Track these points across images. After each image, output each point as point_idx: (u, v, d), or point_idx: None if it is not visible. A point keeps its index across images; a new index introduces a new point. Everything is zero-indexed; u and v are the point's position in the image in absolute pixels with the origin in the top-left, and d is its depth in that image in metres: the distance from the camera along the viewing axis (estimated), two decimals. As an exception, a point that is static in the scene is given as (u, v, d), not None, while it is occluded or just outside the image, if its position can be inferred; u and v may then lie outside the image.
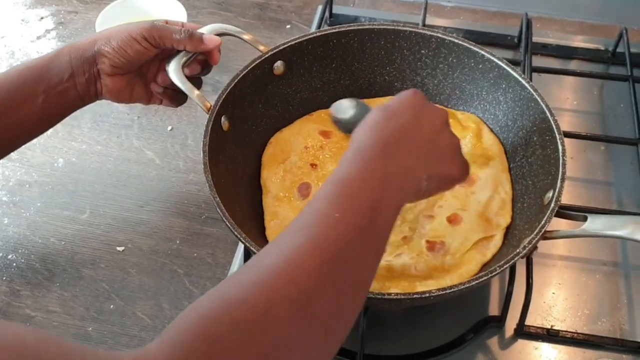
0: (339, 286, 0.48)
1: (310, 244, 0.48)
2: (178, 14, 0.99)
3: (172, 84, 0.74)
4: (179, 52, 0.73)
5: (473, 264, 0.69)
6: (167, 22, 0.76)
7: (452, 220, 0.73)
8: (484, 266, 0.69)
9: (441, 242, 0.71)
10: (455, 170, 0.60)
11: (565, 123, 0.91)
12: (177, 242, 0.81)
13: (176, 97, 0.79)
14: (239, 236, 0.62)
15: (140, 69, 0.77)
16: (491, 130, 0.79)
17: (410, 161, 0.56)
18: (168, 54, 0.75)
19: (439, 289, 0.59)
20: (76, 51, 0.73)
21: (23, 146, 0.87)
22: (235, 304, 0.45)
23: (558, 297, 0.75)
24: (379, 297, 0.59)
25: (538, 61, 0.97)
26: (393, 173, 0.54)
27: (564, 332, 0.72)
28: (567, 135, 0.81)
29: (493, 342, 0.72)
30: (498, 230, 0.71)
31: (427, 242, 0.71)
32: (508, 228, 0.72)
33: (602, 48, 1.01)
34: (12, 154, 0.88)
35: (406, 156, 0.55)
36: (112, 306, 0.75)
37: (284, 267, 0.47)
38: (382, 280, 0.67)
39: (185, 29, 0.74)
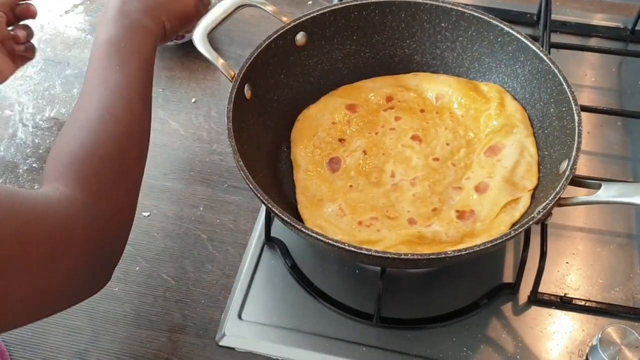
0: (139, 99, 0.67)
1: (116, 94, 0.65)
2: (202, -11, 1.00)
3: (26, 37, 0.82)
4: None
5: (502, 225, 0.70)
6: None
7: (479, 189, 0.74)
8: (514, 226, 0.70)
9: (470, 210, 0.72)
10: (188, 7, 0.77)
11: (584, 99, 0.92)
12: (201, 208, 0.83)
13: (31, 47, 0.85)
14: (261, 198, 0.64)
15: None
16: (513, 97, 0.80)
17: (149, 4, 0.72)
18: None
19: (454, 250, 0.61)
20: None
21: (52, 115, 0.91)
22: (97, 146, 0.61)
23: (572, 266, 0.77)
24: (395, 256, 0.60)
25: (557, 38, 0.98)
26: (136, 20, 0.71)
27: (577, 300, 0.73)
28: (584, 109, 0.82)
29: (507, 308, 0.73)
30: (524, 192, 0.72)
31: (457, 211, 0.73)
32: (535, 189, 0.73)
33: (621, 26, 1.02)
34: (41, 122, 0.92)
35: (145, 3, 0.72)
36: (137, 268, 0.78)
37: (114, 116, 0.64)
38: (414, 246, 0.69)
39: None
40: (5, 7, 0.80)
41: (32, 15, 0.84)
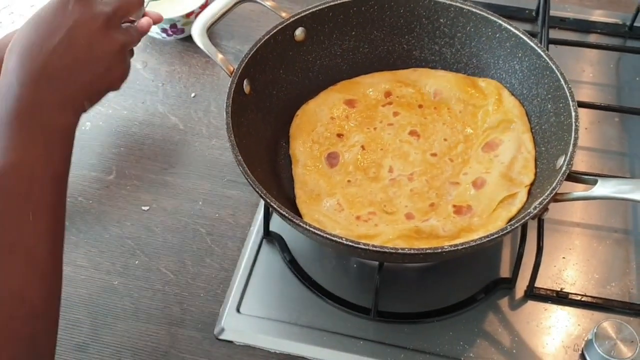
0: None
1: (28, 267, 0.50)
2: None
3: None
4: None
5: (499, 220, 0.70)
6: None
7: (477, 184, 0.74)
8: (510, 221, 0.70)
9: (468, 205, 0.73)
10: (115, 76, 0.59)
11: (582, 95, 0.92)
12: (200, 203, 0.84)
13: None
14: (260, 193, 0.64)
15: None
16: (511, 93, 0.81)
17: (68, 90, 0.54)
18: None
19: (450, 245, 0.61)
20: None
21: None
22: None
23: (568, 261, 0.77)
24: (392, 251, 0.61)
25: (555, 34, 0.98)
26: (53, 120, 0.52)
27: (573, 295, 0.74)
28: (582, 105, 0.83)
29: (503, 302, 0.74)
30: (521, 188, 0.73)
31: (454, 206, 0.73)
32: (532, 185, 0.73)
33: (620, 22, 1.02)
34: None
35: (63, 88, 0.53)
36: (137, 262, 0.79)
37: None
38: (411, 240, 0.69)
39: None
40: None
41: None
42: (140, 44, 1.01)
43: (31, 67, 0.53)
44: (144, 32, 0.66)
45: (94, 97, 0.59)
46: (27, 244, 0.50)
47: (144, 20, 0.67)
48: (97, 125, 0.92)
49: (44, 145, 0.52)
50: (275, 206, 0.64)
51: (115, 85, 0.61)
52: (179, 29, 0.98)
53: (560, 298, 0.74)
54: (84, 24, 0.56)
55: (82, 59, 0.55)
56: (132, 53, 0.65)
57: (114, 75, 0.60)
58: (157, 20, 0.74)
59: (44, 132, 0.52)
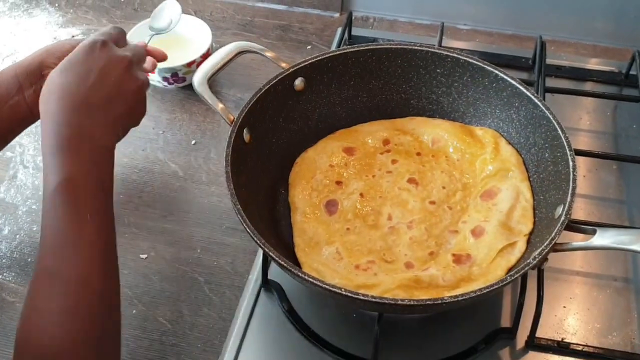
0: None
1: (90, 261, 0.58)
2: (204, 34, 1.03)
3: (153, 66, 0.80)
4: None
5: (499, 270, 0.70)
6: None
7: (476, 232, 0.74)
8: (510, 270, 0.70)
9: (467, 254, 0.73)
10: (141, 110, 0.70)
11: (579, 142, 0.93)
12: (198, 250, 0.84)
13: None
14: (258, 242, 0.64)
15: None
16: (509, 141, 0.81)
17: (107, 117, 0.64)
18: None
19: (451, 296, 0.61)
20: (20, 67, 0.75)
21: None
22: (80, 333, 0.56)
23: (569, 310, 0.77)
24: (392, 302, 0.61)
25: (552, 82, 0.99)
26: (97, 141, 0.62)
27: (574, 345, 0.73)
28: (579, 153, 0.84)
29: (504, 353, 0.73)
30: (520, 237, 0.73)
31: (454, 255, 0.73)
32: (531, 234, 0.74)
33: (615, 70, 1.03)
34: (41, 164, 0.92)
35: (103, 117, 0.64)
36: (134, 311, 0.78)
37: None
38: (410, 290, 0.69)
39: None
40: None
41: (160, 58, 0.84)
42: (141, 92, 1.03)
43: (73, 102, 0.62)
44: (151, 71, 0.79)
45: (126, 128, 0.69)
46: (88, 239, 0.58)
47: (148, 62, 0.79)
48: (97, 173, 0.92)
49: (92, 162, 0.61)
50: (274, 256, 0.64)
51: (138, 120, 0.71)
52: (180, 78, 0.99)
53: (562, 348, 0.73)
54: (112, 65, 0.66)
55: (114, 93, 0.65)
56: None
57: (138, 110, 0.70)
58: (161, 59, 0.82)
59: (91, 152, 0.62)
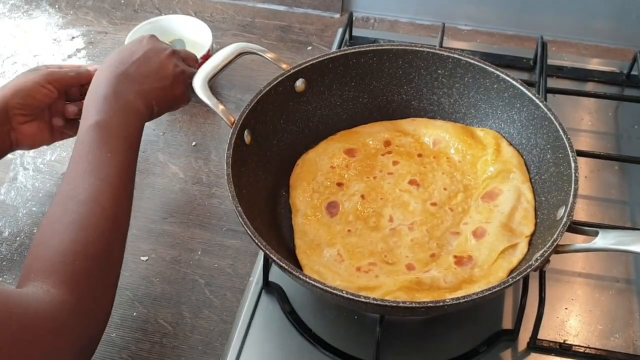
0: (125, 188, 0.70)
1: (106, 185, 0.66)
2: (204, 36, 1.02)
3: (76, 114, 0.83)
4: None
5: (500, 271, 0.70)
6: (60, 66, 0.84)
7: (477, 234, 0.74)
8: (512, 272, 0.70)
9: (468, 256, 0.72)
10: (178, 93, 0.79)
11: (581, 143, 0.93)
12: (199, 252, 0.83)
13: (76, 126, 0.83)
14: (259, 244, 0.64)
15: (43, 112, 0.83)
16: (510, 143, 0.81)
17: (142, 87, 0.75)
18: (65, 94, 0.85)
19: (452, 298, 0.61)
20: None
21: (53, 159, 0.91)
22: (88, 245, 0.62)
23: (571, 312, 0.76)
24: (393, 304, 0.60)
25: (553, 83, 0.99)
26: (130, 102, 0.73)
27: (576, 347, 0.73)
28: (581, 154, 0.83)
29: (506, 355, 0.73)
30: (522, 238, 0.72)
31: (455, 257, 0.73)
32: (532, 235, 0.73)
33: (617, 71, 1.03)
34: (42, 166, 0.92)
35: (138, 86, 0.75)
36: (135, 313, 0.78)
37: (101, 210, 0.64)
38: (412, 292, 0.68)
39: (76, 67, 0.84)
40: (59, 84, 0.82)
41: None
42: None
43: (117, 71, 0.75)
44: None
45: (161, 103, 0.78)
46: (104, 171, 0.66)
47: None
48: (97, 175, 0.92)
49: (124, 115, 0.71)
50: (275, 258, 0.64)
51: (177, 102, 0.81)
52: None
53: (564, 350, 0.72)
54: (156, 50, 0.79)
55: (154, 71, 0.77)
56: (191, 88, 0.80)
57: (176, 91, 0.79)
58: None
59: (123, 107, 0.72)
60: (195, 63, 0.85)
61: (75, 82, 0.83)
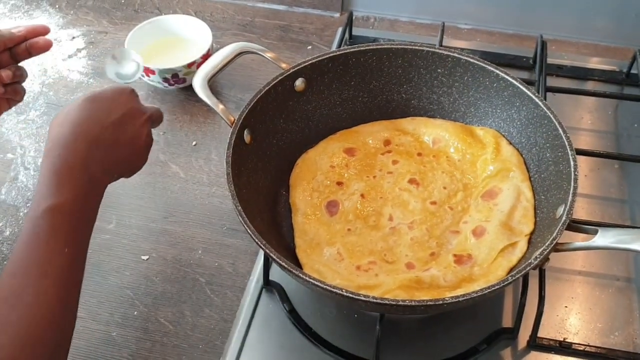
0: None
1: (56, 288, 0.58)
2: (204, 35, 1.03)
3: (12, 78, 0.79)
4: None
5: (500, 270, 0.70)
6: None
7: (476, 232, 0.74)
8: (511, 270, 0.70)
9: (468, 255, 0.73)
10: (141, 163, 0.72)
11: (580, 142, 0.93)
12: (199, 252, 0.84)
13: (18, 90, 0.83)
14: (259, 243, 0.64)
15: None
16: (509, 141, 0.81)
17: (111, 158, 0.66)
18: None
19: (452, 297, 0.61)
20: None
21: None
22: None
23: (571, 310, 0.76)
24: (392, 303, 0.61)
25: (553, 82, 0.99)
26: (95, 177, 0.64)
27: (576, 345, 0.73)
28: (581, 152, 0.83)
29: (506, 353, 0.73)
30: (521, 237, 0.73)
31: (455, 255, 0.73)
32: (532, 234, 0.73)
33: (617, 69, 1.03)
34: (43, 166, 0.92)
35: (108, 156, 0.65)
36: (135, 312, 0.78)
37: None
38: (412, 291, 0.69)
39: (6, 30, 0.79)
40: None
41: (43, 49, 0.82)
42: (142, 92, 1.03)
43: (87, 134, 0.64)
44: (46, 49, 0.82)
45: (120, 174, 0.70)
46: (59, 270, 0.58)
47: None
48: (98, 174, 0.92)
49: (84, 194, 0.62)
50: (275, 257, 0.64)
51: (133, 172, 0.72)
52: (181, 79, 0.99)
53: (564, 348, 0.73)
54: (134, 114, 0.69)
55: (128, 140, 0.68)
56: None
57: (137, 163, 0.72)
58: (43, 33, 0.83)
59: (90, 184, 0.63)
60: (159, 122, 0.76)
61: (0, 47, 0.77)
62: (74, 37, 1.14)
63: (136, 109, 0.70)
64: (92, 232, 0.64)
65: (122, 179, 0.90)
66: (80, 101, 0.67)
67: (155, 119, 0.74)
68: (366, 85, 0.85)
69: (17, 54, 0.81)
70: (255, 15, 1.18)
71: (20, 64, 0.82)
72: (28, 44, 0.81)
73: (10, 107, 0.84)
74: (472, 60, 0.81)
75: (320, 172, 0.82)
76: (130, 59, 0.87)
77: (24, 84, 0.84)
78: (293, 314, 0.75)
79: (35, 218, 0.59)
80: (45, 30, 0.83)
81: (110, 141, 0.66)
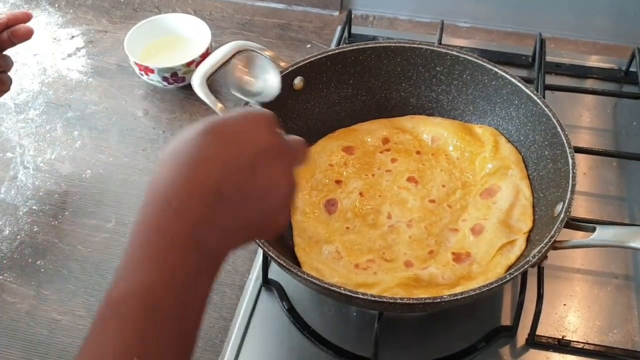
0: None
1: None
2: (203, 34, 1.03)
3: None
4: None
5: (498, 267, 0.70)
6: None
7: (475, 230, 0.74)
8: (510, 268, 0.70)
9: (467, 253, 0.73)
10: (282, 220, 0.49)
11: (579, 140, 0.93)
12: (199, 250, 0.83)
13: (4, 80, 0.82)
14: (257, 241, 0.64)
15: None
16: (508, 140, 0.82)
17: (232, 222, 0.44)
18: None
19: (450, 294, 0.61)
20: None
21: (53, 158, 0.91)
22: None
23: (569, 308, 0.76)
24: (391, 301, 0.61)
25: (552, 80, 0.99)
26: (208, 250, 0.43)
27: (575, 343, 0.73)
28: (579, 150, 0.83)
29: (505, 351, 0.73)
30: (520, 235, 0.73)
31: (453, 254, 0.73)
32: (530, 232, 0.74)
33: (615, 67, 1.03)
34: (42, 165, 0.93)
35: (229, 218, 0.44)
36: (135, 311, 0.78)
37: None
38: (410, 289, 0.69)
39: None
40: None
41: (24, 37, 0.80)
42: (141, 91, 1.03)
43: (203, 186, 0.44)
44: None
45: (249, 239, 0.51)
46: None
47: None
48: (97, 173, 0.93)
49: (193, 282, 0.43)
50: (274, 255, 0.64)
51: (269, 234, 0.53)
52: (180, 78, 0.99)
53: (562, 346, 0.73)
54: (272, 154, 0.47)
55: (259, 194, 0.46)
56: None
57: (275, 222, 0.50)
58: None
59: (199, 266, 0.43)
60: (304, 161, 0.53)
61: None
62: (73, 36, 1.14)
63: (276, 147, 0.48)
64: (196, 340, 0.43)
65: (121, 180, 0.91)
66: (195, 133, 0.45)
67: (301, 157, 0.52)
68: (365, 83, 0.85)
69: (0, 42, 0.80)
70: (254, 13, 1.18)
71: (5, 53, 0.81)
72: (9, 32, 0.80)
73: None
74: (470, 58, 0.81)
75: (319, 170, 0.82)
76: (268, 69, 0.66)
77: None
78: (292, 312, 0.76)
79: (102, 307, 0.41)
80: (26, 17, 0.81)
81: (236, 197, 0.44)
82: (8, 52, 0.83)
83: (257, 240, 0.64)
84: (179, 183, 0.44)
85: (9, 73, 0.84)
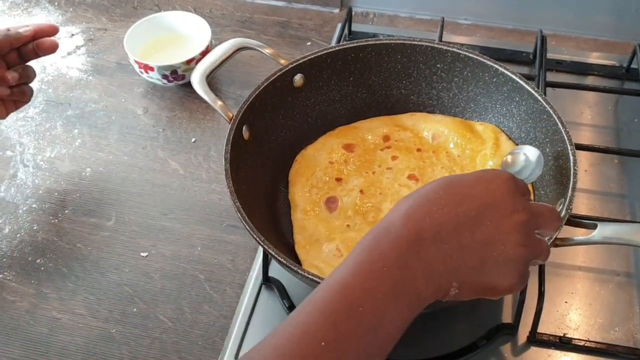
0: None
1: None
2: (203, 32, 1.02)
3: (18, 80, 0.78)
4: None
5: None
6: None
7: None
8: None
9: None
10: (506, 283, 0.48)
11: (580, 137, 0.92)
12: (199, 248, 0.83)
13: (25, 91, 0.82)
14: (257, 239, 0.64)
15: None
16: (509, 137, 0.81)
17: (443, 265, 0.45)
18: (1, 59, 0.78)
19: (450, 292, 0.60)
20: None
21: (53, 156, 0.91)
22: None
23: (571, 306, 0.76)
24: (393, 298, 0.60)
25: (553, 77, 0.99)
26: (413, 277, 0.44)
27: (576, 340, 0.73)
28: (581, 147, 0.83)
29: (506, 348, 0.73)
30: None
31: None
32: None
33: (617, 64, 1.03)
34: (42, 163, 0.93)
35: (440, 258, 0.45)
36: (135, 309, 0.78)
37: None
38: None
39: (4, 30, 0.77)
40: None
41: (49, 50, 0.81)
42: (141, 89, 1.03)
43: (418, 224, 0.47)
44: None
45: (470, 286, 0.48)
46: None
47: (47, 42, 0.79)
48: (97, 171, 0.92)
49: (393, 324, 0.46)
50: (274, 253, 0.64)
51: (493, 293, 0.50)
52: (180, 75, 0.99)
53: (564, 343, 0.72)
54: (502, 207, 0.48)
55: (478, 243, 0.47)
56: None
57: (494, 281, 0.48)
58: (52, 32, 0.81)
59: (408, 309, 0.46)
60: (555, 230, 0.55)
61: (7, 46, 0.76)
62: (73, 35, 1.14)
63: (508, 202, 0.48)
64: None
65: (121, 178, 0.91)
66: (435, 183, 0.50)
67: (549, 224, 0.52)
68: (365, 80, 0.85)
69: (25, 53, 0.81)
70: (254, 11, 1.17)
71: (28, 64, 0.82)
72: (35, 44, 0.81)
73: (17, 109, 0.85)
74: (471, 55, 0.81)
75: (319, 168, 0.82)
76: (536, 162, 0.69)
77: (32, 84, 0.84)
78: (292, 310, 0.75)
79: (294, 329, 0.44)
80: (53, 30, 0.82)
81: (453, 242, 0.46)
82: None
83: (257, 239, 0.64)
84: (401, 216, 0.47)
85: (30, 84, 0.84)
